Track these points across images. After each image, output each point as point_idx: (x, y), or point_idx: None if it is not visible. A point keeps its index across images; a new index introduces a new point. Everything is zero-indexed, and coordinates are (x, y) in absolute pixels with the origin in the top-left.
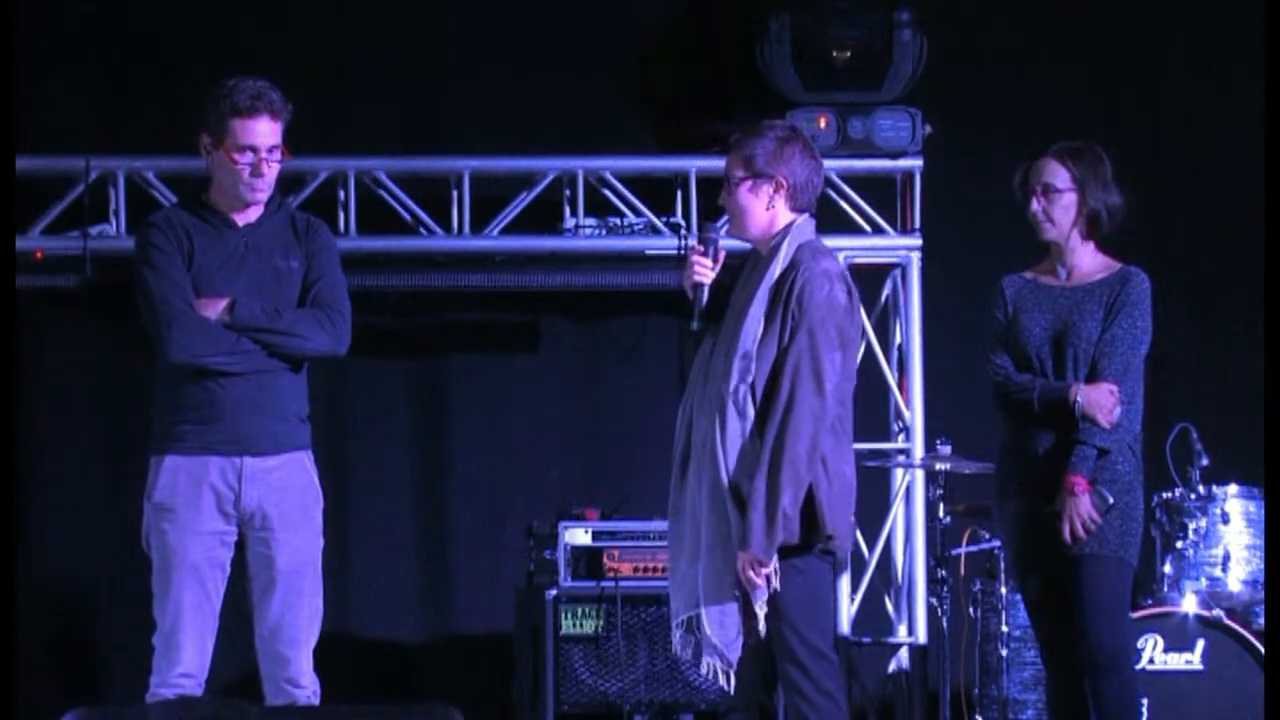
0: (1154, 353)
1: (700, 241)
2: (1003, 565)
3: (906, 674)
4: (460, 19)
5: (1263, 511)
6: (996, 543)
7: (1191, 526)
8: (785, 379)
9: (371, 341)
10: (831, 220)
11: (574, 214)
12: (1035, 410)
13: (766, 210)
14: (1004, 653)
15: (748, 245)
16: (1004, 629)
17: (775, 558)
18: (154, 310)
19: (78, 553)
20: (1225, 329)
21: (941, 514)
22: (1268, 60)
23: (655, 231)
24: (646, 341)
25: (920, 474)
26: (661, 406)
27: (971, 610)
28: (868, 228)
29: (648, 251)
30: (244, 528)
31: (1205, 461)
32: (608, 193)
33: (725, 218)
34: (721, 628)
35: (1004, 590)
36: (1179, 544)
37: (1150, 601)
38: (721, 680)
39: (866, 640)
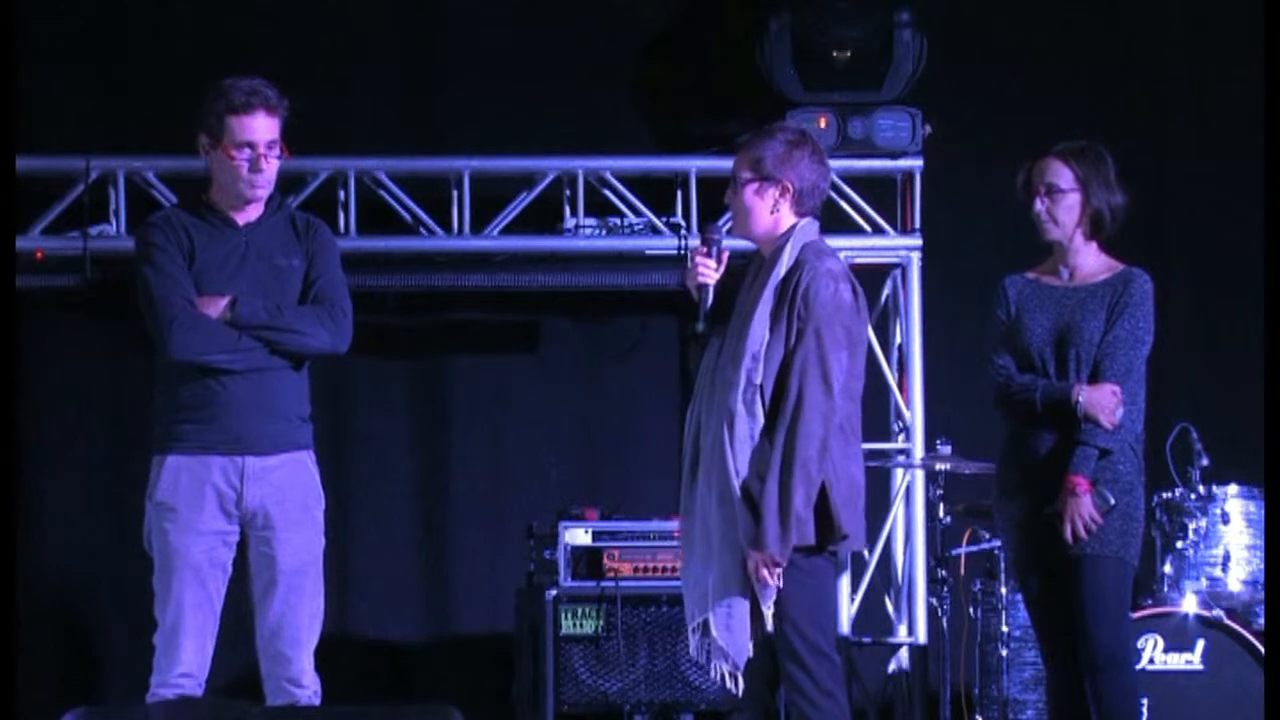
0: (1154, 353)
1: (703, 242)
2: (1003, 565)
3: (907, 674)
4: (460, 19)
5: (1263, 511)
6: (996, 543)
7: (1191, 526)
8: (793, 380)
9: (372, 342)
10: (831, 220)
11: (574, 214)
12: (1037, 411)
13: (771, 213)
14: (1004, 653)
15: (751, 245)
16: (1004, 629)
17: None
18: (155, 309)
19: (78, 553)
20: (1225, 329)
21: (941, 514)
22: (1268, 60)
23: (655, 232)
24: (646, 341)
25: (920, 474)
26: (661, 406)
27: (971, 610)
28: (868, 228)
29: (648, 251)
30: (245, 527)
31: (1205, 461)
32: (608, 193)
33: (726, 217)
34: (730, 631)
35: (1004, 590)
36: (1179, 544)
37: (1150, 601)
38: (729, 683)
39: (867, 640)
